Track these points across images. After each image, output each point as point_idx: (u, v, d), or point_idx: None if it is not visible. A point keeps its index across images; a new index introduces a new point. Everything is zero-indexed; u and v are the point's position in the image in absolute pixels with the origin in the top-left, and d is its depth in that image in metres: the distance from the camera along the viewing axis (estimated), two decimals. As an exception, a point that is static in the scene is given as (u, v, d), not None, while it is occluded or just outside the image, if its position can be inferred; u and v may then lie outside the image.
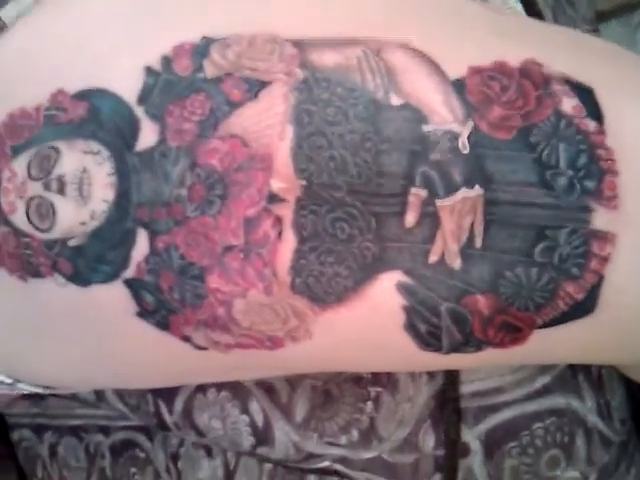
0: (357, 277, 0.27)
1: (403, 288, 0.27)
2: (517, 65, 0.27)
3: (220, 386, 0.47)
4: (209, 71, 0.28)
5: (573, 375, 0.42)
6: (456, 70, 0.27)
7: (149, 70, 0.28)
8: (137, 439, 0.58)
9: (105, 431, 0.59)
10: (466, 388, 0.42)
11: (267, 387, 0.45)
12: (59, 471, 0.62)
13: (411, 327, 0.27)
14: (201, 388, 0.48)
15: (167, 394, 0.49)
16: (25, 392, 0.41)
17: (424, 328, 0.27)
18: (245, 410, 0.46)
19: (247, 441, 0.46)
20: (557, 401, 0.41)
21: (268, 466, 0.49)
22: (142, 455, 0.58)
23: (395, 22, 0.28)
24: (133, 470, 0.58)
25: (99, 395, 0.54)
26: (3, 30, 0.34)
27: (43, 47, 0.32)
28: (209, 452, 0.53)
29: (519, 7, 0.37)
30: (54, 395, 0.50)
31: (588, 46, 0.31)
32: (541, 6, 0.43)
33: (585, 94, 0.27)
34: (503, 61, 0.27)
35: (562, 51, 0.29)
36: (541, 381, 0.41)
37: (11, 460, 0.67)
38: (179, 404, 0.49)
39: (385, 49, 0.27)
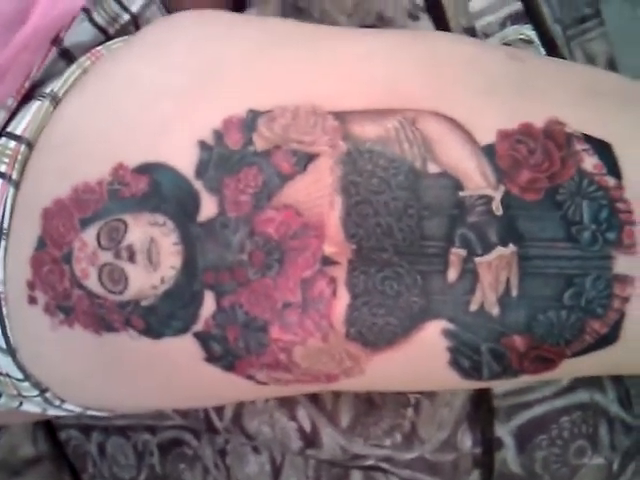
0: (405, 325, 0.30)
1: (447, 333, 0.30)
2: (541, 126, 0.30)
3: (268, 396, 0.50)
4: (259, 144, 0.30)
5: (596, 371, 0.46)
6: (486, 136, 0.29)
7: (203, 144, 0.31)
8: (184, 437, 0.60)
9: (152, 430, 0.61)
10: (498, 388, 0.45)
11: (312, 396, 0.48)
12: (109, 468, 0.65)
13: (455, 363, 0.31)
14: (249, 397, 0.51)
15: (216, 403, 0.52)
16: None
17: (467, 364, 0.31)
18: (293, 417, 0.49)
19: (296, 444, 0.49)
20: (582, 396, 0.45)
21: (313, 461, 0.52)
22: (190, 452, 0.60)
23: (425, 90, 0.31)
24: (182, 466, 0.60)
25: (148, 402, 0.56)
26: (58, 103, 0.36)
27: (97, 120, 0.34)
28: (256, 448, 0.55)
29: (532, 34, 0.39)
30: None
31: (605, 93, 0.33)
32: (549, 23, 0.45)
33: (604, 151, 0.29)
34: (529, 123, 0.30)
35: (580, 106, 0.31)
36: (567, 379, 0.44)
37: (63, 459, 0.70)
38: (229, 411, 0.52)
39: (419, 118, 0.30)
